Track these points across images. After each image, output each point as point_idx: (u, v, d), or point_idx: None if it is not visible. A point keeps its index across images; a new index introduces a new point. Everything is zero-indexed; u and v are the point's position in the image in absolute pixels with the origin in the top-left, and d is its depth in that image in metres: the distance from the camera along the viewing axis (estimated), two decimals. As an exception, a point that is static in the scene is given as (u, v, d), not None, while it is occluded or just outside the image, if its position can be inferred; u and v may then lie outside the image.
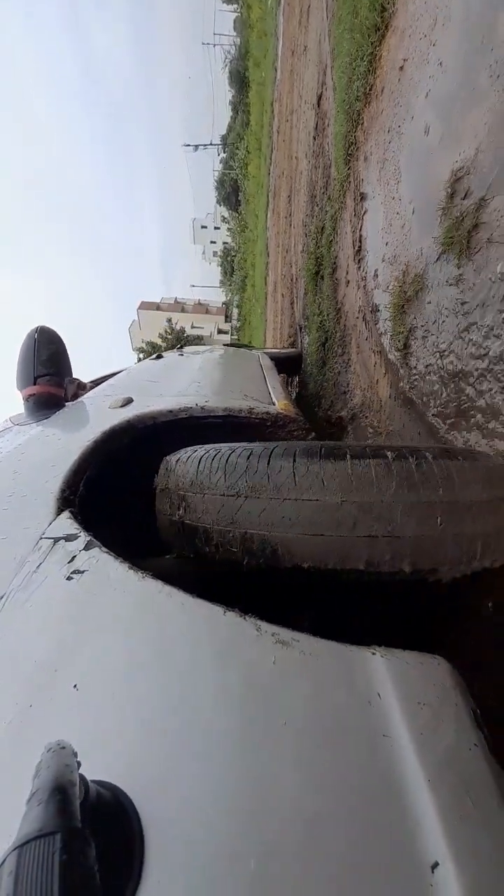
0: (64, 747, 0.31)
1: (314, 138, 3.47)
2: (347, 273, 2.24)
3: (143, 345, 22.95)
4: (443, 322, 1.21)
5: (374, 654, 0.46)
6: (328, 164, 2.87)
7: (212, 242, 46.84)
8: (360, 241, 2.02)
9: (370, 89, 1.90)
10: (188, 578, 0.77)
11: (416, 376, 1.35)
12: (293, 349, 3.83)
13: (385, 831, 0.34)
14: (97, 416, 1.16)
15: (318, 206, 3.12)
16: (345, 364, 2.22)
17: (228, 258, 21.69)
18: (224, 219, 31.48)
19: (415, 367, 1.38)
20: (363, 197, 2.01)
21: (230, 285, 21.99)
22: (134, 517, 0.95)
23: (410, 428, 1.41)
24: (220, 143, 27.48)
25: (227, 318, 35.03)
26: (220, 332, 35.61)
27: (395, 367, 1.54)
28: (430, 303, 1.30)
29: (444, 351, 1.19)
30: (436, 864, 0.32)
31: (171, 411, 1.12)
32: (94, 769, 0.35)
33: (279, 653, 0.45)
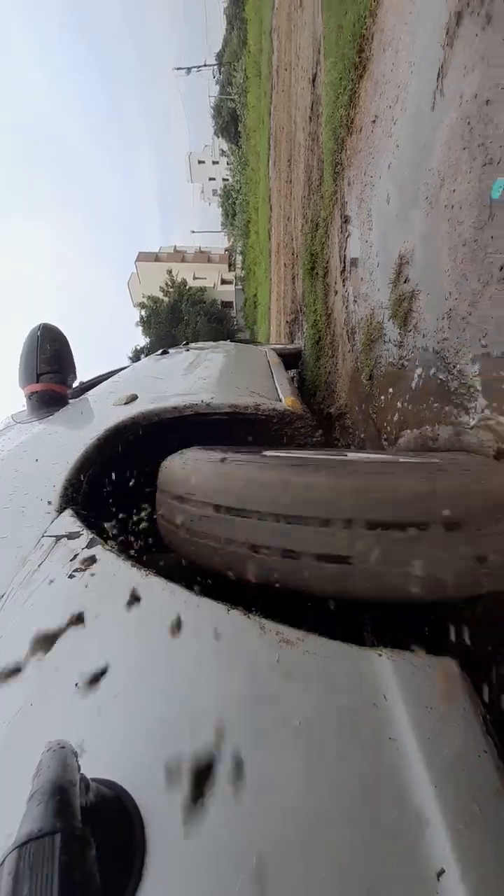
0: (64, 747, 0.31)
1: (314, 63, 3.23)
2: (336, 283, 2.31)
3: (144, 300, 20.64)
4: (389, 373, 1.41)
5: (380, 655, 0.45)
6: (321, 153, 2.83)
7: (210, 179, 42.68)
8: (344, 262, 2.09)
9: (351, 122, 1.94)
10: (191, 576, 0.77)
11: (377, 405, 1.53)
12: (294, 345, 3.82)
13: (390, 837, 0.34)
14: (101, 414, 1.16)
15: (313, 194, 3.08)
16: (333, 366, 2.31)
17: (229, 199, 19.62)
18: (223, 152, 28.38)
19: (376, 397, 1.54)
20: (347, 220, 2.06)
21: (232, 228, 20.13)
22: (139, 514, 0.95)
23: (373, 440, 1.56)
24: (215, 62, 23.54)
25: (231, 267, 31.59)
26: (223, 282, 31.89)
27: (365, 388, 1.68)
28: (384, 351, 1.47)
29: (392, 394, 1.38)
30: (442, 872, 0.32)
31: (175, 408, 1.12)
32: (95, 767, 0.34)
33: (283, 652, 0.45)
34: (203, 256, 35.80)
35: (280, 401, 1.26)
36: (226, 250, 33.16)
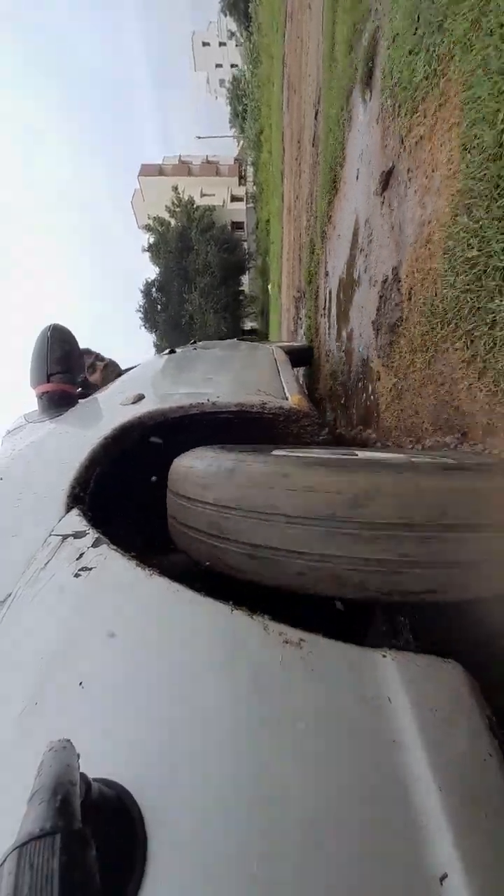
0: (65, 746, 0.31)
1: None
2: (322, 310, 2.55)
3: (151, 221, 18.08)
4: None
5: (384, 656, 0.45)
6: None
7: (217, 67, 37.80)
8: (326, 304, 2.35)
9: (331, 203, 2.14)
10: (197, 575, 0.77)
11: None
12: (303, 343, 3.81)
13: (392, 840, 0.33)
14: (109, 413, 1.17)
15: (312, 216, 3.14)
16: (321, 367, 2.66)
17: (238, 94, 17.54)
18: (231, 34, 25.57)
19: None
20: (328, 274, 2.30)
21: (242, 131, 18.15)
22: (147, 513, 0.96)
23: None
24: None
25: (241, 180, 28.50)
26: (233, 199, 28.76)
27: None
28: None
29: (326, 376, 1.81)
30: (444, 876, 0.31)
31: (182, 407, 1.12)
32: (98, 767, 0.35)
33: (287, 653, 0.45)
34: (211, 168, 31.88)
35: (286, 399, 1.25)
36: (235, 160, 29.78)
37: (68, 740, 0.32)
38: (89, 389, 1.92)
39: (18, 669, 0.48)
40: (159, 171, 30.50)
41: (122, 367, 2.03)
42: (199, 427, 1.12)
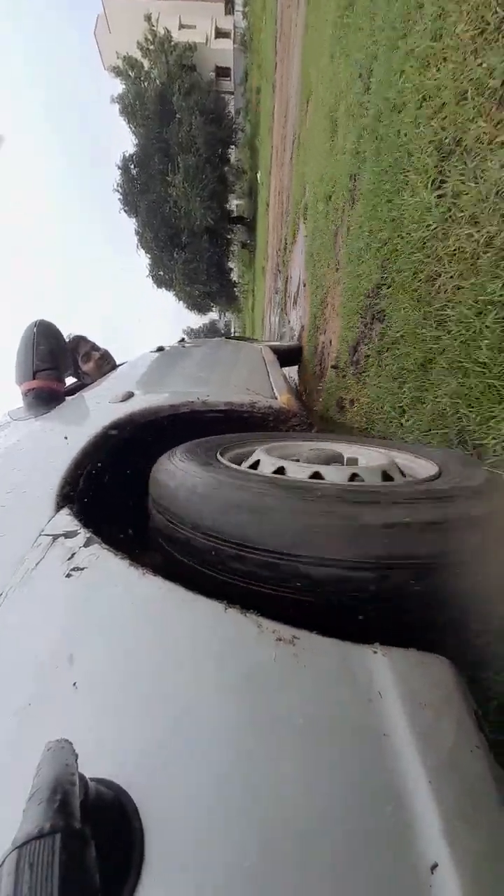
0: (64, 746, 0.31)
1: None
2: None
3: (120, 63, 14.25)
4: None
5: (375, 652, 0.46)
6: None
7: None
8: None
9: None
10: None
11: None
12: (291, 343, 3.84)
13: (384, 831, 0.34)
14: (97, 411, 1.16)
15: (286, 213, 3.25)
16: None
17: None
18: None
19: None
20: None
21: None
22: (136, 512, 0.95)
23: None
24: None
25: (230, 9, 22.99)
26: (219, 34, 23.39)
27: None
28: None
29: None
30: (435, 866, 0.32)
31: (172, 406, 1.12)
32: (94, 768, 0.35)
33: (280, 650, 0.45)
34: (192, -12, 24.47)
35: (275, 398, 1.26)
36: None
37: (66, 740, 0.32)
38: (82, 378, 1.89)
39: (11, 671, 0.47)
40: (127, -11, 23.17)
41: (116, 360, 2.02)
42: (188, 425, 1.12)
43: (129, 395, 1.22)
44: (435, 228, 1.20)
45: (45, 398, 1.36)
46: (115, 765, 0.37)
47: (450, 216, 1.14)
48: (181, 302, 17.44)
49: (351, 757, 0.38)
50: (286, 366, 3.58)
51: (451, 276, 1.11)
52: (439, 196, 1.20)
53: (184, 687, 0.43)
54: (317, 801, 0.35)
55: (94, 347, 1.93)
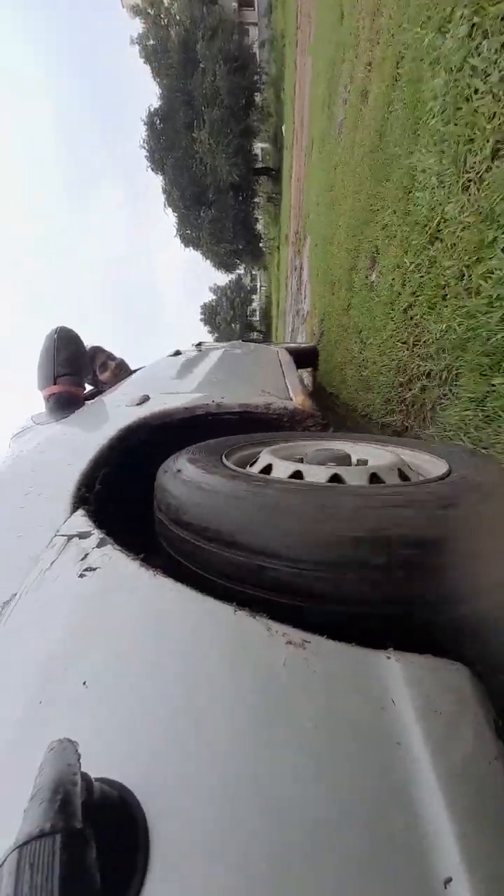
0: (66, 746, 0.31)
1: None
2: None
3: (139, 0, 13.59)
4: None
5: (388, 658, 0.44)
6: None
7: None
8: None
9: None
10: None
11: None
12: (307, 344, 3.82)
13: (396, 843, 0.33)
14: (114, 415, 1.18)
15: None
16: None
17: None
18: None
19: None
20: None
21: None
22: (152, 514, 0.96)
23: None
24: None
25: None
26: None
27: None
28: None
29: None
30: (449, 880, 0.31)
31: (186, 408, 1.13)
32: (100, 767, 0.35)
33: (290, 654, 0.44)
34: None
35: (291, 399, 1.26)
36: None
37: (69, 739, 0.32)
38: (100, 388, 1.94)
39: (23, 669, 0.48)
40: None
41: (131, 366, 2.05)
42: (203, 427, 1.13)
43: (146, 399, 1.23)
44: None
45: (66, 402, 1.40)
46: (122, 765, 0.37)
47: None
48: (208, 261, 17.66)
49: (361, 766, 0.37)
50: (302, 368, 3.57)
51: None
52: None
53: (192, 688, 0.43)
54: (325, 811, 0.34)
55: (111, 357, 1.98)
